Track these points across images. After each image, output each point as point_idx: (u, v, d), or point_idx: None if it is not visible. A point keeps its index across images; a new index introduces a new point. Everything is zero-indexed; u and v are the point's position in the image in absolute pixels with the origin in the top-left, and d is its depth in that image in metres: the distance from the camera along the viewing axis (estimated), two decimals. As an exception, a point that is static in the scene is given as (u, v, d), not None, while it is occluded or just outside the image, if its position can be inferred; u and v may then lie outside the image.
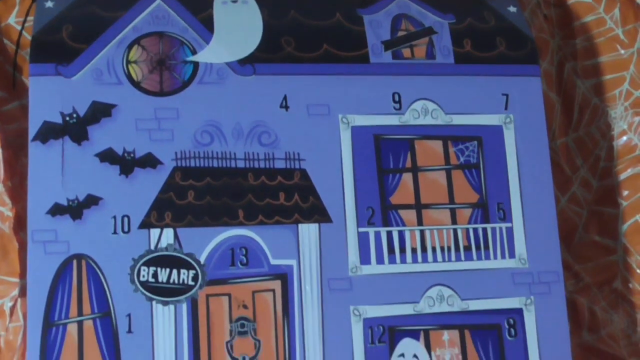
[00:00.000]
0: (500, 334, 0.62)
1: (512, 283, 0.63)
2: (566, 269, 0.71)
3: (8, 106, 0.66)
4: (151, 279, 0.59)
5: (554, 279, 0.64)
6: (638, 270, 0.71)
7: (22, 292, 0.64)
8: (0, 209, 0.65)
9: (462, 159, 0.65)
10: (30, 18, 0.65)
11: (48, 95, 0.60)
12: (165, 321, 0.58)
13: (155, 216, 0.59)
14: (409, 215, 0.63)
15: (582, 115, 0.73)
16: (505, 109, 0.66)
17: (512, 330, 0.63)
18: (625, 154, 0.72)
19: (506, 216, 0.64)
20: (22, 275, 0.64)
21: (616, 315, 0.71)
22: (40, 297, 0.57)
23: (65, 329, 0.57)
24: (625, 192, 0.72)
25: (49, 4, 0.62)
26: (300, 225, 0.61)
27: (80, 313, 0.58)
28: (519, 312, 0.63)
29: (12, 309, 0.64)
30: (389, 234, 0.62)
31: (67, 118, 0.60)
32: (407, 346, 0.61)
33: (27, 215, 0.59)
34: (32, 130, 0.59)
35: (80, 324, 0.58)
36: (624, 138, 0.73)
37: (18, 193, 0.65)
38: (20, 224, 0.65)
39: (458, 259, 0.63)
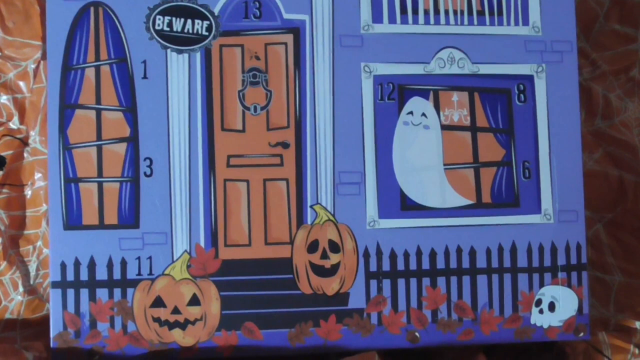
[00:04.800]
0: (510, 99, 0.63)
1: (524, 50, 0.63)
2: (583, 57, 0.70)
3: None
4: (166, 28, 0.60)
5: (566, 48, 0.63)
6: (657, 60, 0.70)
7: (45, 55, 0.66)
8: (22, -25, 0.67)
9: None
10: None
11: None
12: (180, 69, 0.60)
13: (170, -34, 0.60)
14: (423, -24, 0.63)
15: None
16: None
17: (522, 96, 0.63)
18: (650, -58, 0.71)
19: (521, -17, 0.64)
20: (44, 39, 0.66)
21: (631, 103, 0.70)
22: (59, 41, 0.59)
23: (83, 73, 0.59)
24: (649, -20, 0.70)
25: None
26: (313, -19, 0.61)
27: (97, 58, 0.60)
28: (529, 78, 0.63)
29: (36, 70, 0.66)
30: (402, -6, 0.62)
31: None
32: (416, 104, 0.62)
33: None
34: None
35: (97, 68, 0.60)
36: None
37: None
38: (41, -11, 0.66)
39: (471, 22, 0.63)
